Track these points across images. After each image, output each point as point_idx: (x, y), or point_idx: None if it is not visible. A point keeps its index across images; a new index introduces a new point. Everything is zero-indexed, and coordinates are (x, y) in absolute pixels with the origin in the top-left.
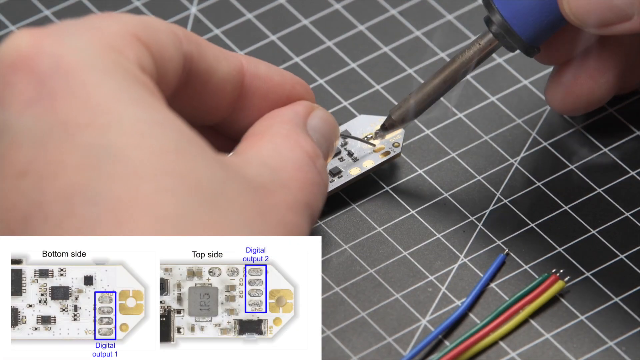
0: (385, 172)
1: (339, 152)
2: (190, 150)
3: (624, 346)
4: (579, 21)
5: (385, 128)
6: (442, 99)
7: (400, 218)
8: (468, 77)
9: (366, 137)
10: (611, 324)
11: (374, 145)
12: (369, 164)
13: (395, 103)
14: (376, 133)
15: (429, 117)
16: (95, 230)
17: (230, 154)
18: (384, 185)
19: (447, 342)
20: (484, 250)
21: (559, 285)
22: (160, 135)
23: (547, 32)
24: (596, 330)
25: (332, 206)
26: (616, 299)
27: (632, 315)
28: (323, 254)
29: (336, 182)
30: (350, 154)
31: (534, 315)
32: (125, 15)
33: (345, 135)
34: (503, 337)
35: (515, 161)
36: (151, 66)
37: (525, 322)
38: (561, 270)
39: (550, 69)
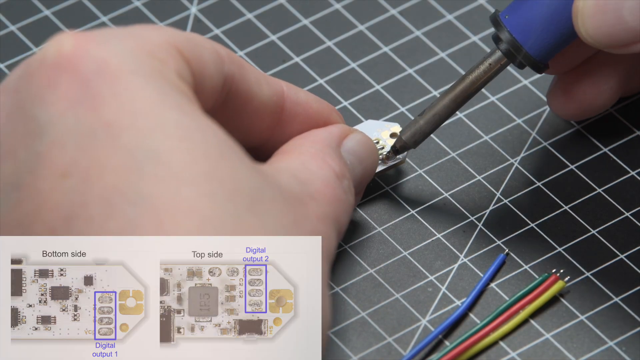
0: (385, 171)
1: None
2: (230, 156)
3: (624, 346)
4: (594, 42)
5: (397, 150)
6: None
7: (401, 218)
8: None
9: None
10: (611, 324)
11: (401, 160)
12: None
13: (396, 103)
14: (387, 155)
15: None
16: (136, 231)
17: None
18: (384, 186)
19: (447, 342)
20: (484, 250)
21: (559, 285)
22: (201, 140)
23: (557, 48)
24: (596, 330)
25: None
26: (616, 299)
27: (632, 315)
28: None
29: None
30: None
31: (534, 315)
32: (169, 29)
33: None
34: (503, 337)
35: (516, 161)
36: (190, 79)
37: (525, 322)
38: (561, 270)
39: None
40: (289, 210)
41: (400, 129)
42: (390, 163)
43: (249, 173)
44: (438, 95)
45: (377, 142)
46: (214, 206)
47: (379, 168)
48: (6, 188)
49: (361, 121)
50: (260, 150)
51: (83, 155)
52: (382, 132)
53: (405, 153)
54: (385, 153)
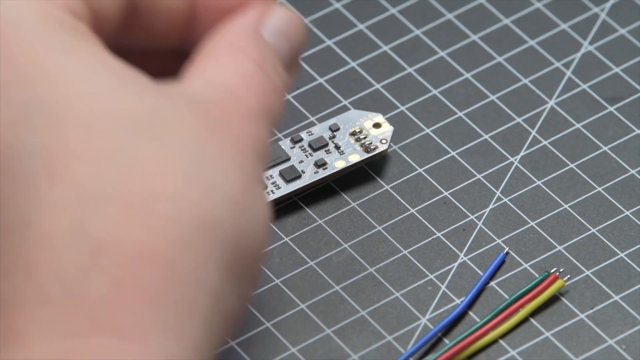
0: (385, 171)
1: (326, 144)
2: (122, 88)
3: (624, 344)
4: None
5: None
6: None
7: (400, 217)
8: (468, 76)
9: (355, 131)
10: (611, 323)
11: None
12: (354, 158)
13: (396, 102)
14: (369, 145)
15: (429, 116)
16: (30, 184)
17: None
18: (384, 184)
19: (446, 341)
20: (484, 248)
21: (558, 284)
22: (90, 80)
23: None
24: (596, 328)
25: (332, 205)
26: (616, 298)
27: (633, 314)
28: (323, 253)
29: (320, 174)
30: (337, 147)
31: (533, 313)
32: None
33: None
34: (502, 336)
35: (515, 160)
36: (83, 9)
37: (525, 320)
38: (561, 270)
39: (551, 68)
40: (197, 121)
41: (383, 118)
42: (373, 153)
43: (146, 98)
44: (438, 95)
45: (361, 132)
46: (108, 141)
47: (361, 157)
48: None
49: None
50: (182, 48)
51: None
52: (365, 122)
53: (388, 143)
54: (366, 143)
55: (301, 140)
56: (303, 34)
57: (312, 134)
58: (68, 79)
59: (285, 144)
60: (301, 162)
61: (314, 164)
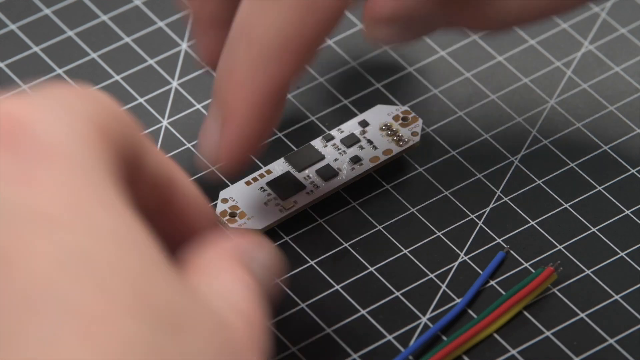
0: (385, 170)
1: (358, 141)
2: (155, 270)
3: (625, 344)
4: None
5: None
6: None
7: (401, 216)
8: (468, 75)
9: (384, 126)
10: (612, 322)
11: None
12: (388, 152)
13: (396, 102)
14: (400, 139)
15: (429, 115)
16: (55, 336)
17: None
18: (384, 184)
19: (445, 338)
20: (485, 248)
21: (552, 277)
22: (127, 247)
23: None
24: (597, 327)
25: (333, 205)
26: (617, 297)
27: (633, 313)
28: (323, 253)
29: (357, 170)
30: (370, 142)
31: (534, 312)
32: (108, 102)
33: None
34: (497, 331)
35: (516, 159)
36: (121, 168)
37: (525, 319)
38: (560, 269)
39: (551, 67)
40: (214, 336)
41: (410, 112)
42: (406, 146)
43: (173, 289)
44: (438, 94)
45: (390, 127)
46: (136, 324)
47: (395, 152)
48: None
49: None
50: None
51: (9, 237)
52: (392, 116)
53: (419, 135)
54: (399, 135)
55: (333, 138)
56: (279, 270)
57: (342, 132)
58: (111, 239)
59: (317, 143)
60: (336, 160)
61: (350, 160)
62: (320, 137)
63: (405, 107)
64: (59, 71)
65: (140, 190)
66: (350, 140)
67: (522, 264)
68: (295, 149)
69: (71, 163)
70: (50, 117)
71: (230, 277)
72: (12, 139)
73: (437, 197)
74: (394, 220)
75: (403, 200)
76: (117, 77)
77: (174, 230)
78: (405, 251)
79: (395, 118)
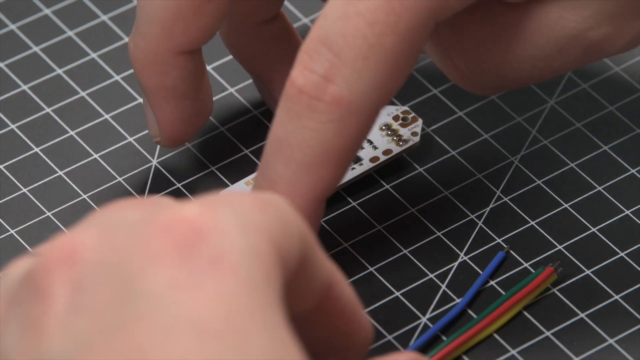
0: (385, 170)
1: None
2: None
3: (625, 344)
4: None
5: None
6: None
7: (400, 216)
8: None
9: (384, 126)
10: (612, 322)
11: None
12: (388, 152)
13: (396, 102)
14: (400, 138)
15: (429, 115)
16: None
17: None
18: (384, 184)
19: (444, 338)
20: (485, 248)
21: (551, 277)
22: None
23: None
24: (597, 327)
25: (332, 204)
26: (617, 297)
27: (633, 313)
28: None
29: (357, 170)
30: (369, 142)
31: (534, 312)
32: (284, 216)
33: None
34: (497, 330)
35: (516, 159)
36: (286, 274)
37: (525, 319)
38: (560, 269)
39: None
40: None
41: (410, 112)
42: (406, 146)
43: None
44: (438, 94)
45: (390, 127)
46: None
47: (395, 151)
48: None
49: None
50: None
51: (161, 338)
52: (392, 116)
53: (419, 135)
54: (398, 135)
55: None
56: None
57: None
58: None
59: None
60: None
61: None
62: None
63: (405, 107)
64: (59, 71)
65: (299, 292)
66: None
67: (522, 264)
68: None
69: (238, 278)
70: (227, 229)
71: None
72: (186, 246)
73: (437, 197)
74: (394, 220)
75: (403, 200)
76: (117, 77)
77: (326, 333)
78: (405, 251)
79: (395, 118)
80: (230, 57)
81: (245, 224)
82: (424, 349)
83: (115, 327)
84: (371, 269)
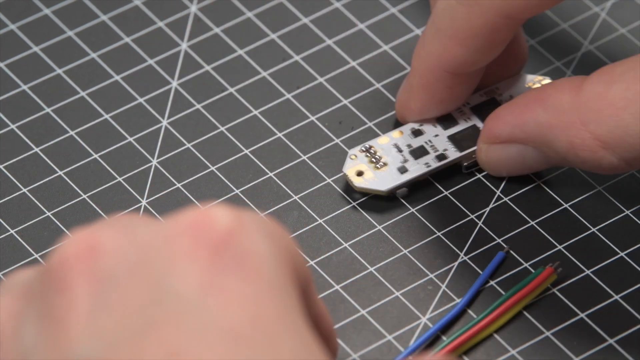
0: None
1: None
2: None
3: (624, 344)
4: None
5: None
6: None
7: (400, 216)
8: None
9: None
10: (611, 322)
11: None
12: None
13: (395, 101)
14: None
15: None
16: None
17: None
18: None
19: (444, 338)
20: (484, 248)
21: (551, 277)
22: None
23: None
24: (597, 327)
25: (332, 204)
26: (616, 297)
27: (633, 313)
28: (323, 253)
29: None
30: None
31: (534, 312)
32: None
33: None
34: (497, 330)
35: None
36: (301, 292)
37: (525, 319)
38: (560, 269)
39: (551, 67)
40: None
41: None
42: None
43: None
44: None
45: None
46: None
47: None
48: None
49: (359, 118)
50: None
51: (190, 338)
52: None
53: None
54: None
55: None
56: None
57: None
58: None
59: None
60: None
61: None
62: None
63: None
64: (59, 71)
65: None
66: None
67: (522, 264)
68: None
69: (262, 280)
70: (252, 232)
71: None
72: (215, 245)
73: (437, 197)
74: (393, 220)
75: (402, 200)
76: (117, 77)
77: None
78: (405, 251)
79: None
80: (230, 56)
81: (271, 233)
82: (424, 349)
83: (145, 327)
84: (371, 269)
